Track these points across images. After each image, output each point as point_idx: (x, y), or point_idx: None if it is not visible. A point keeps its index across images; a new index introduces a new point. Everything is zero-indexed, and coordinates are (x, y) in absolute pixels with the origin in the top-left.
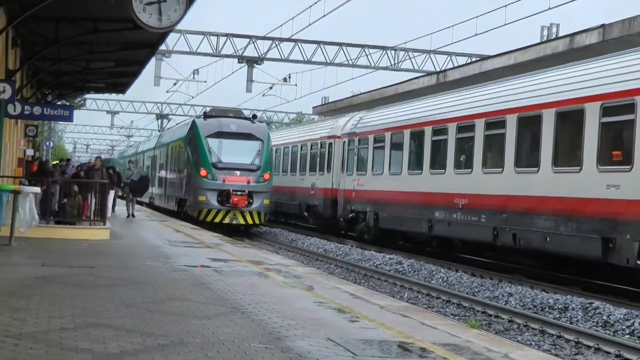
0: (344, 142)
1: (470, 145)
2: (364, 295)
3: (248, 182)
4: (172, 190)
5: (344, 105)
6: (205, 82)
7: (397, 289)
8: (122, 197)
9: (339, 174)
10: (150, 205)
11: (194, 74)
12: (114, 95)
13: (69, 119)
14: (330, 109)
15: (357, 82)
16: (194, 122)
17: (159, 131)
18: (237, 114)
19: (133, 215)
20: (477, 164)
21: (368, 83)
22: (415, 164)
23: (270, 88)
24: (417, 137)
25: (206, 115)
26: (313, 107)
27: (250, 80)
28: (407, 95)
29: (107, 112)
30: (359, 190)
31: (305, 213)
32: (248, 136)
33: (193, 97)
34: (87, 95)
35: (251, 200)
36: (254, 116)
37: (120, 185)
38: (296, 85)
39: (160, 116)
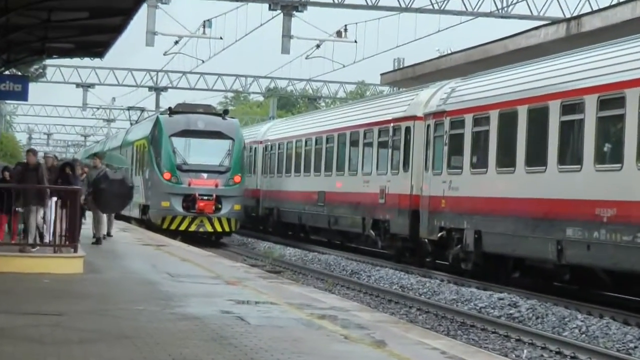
0: (428, 125)
1: (618, 129)
2: (461, 354)
3: (216, 186)
4: (136, 195)
5: (426, 70)
6: (221, 38)
7: (512, 344)
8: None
9: (422, 174)
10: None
11: (204, 27)
12: (87, 61)
13: (22, 95)
14: (406, 77)
15: (447, 37)
16: (157, 119)
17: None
18: (207, 109)
19: (109, 235)
20: (629, 155)
21: (463, 38)
22: (536, 156)
23: (318, 47)
24: (538, 115)
25: (172, 111)
26: (381, 75)
27: (287, 35)
28: (522, 55)
29: (78, 85)
30: (451, 197)
31: (372, 231)
32: (217, 134)
33: (203, 62)
34: (49, 61)
35: (219, 206)
36: (225, 112)
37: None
38: (356, 42)
39: (155, 90)
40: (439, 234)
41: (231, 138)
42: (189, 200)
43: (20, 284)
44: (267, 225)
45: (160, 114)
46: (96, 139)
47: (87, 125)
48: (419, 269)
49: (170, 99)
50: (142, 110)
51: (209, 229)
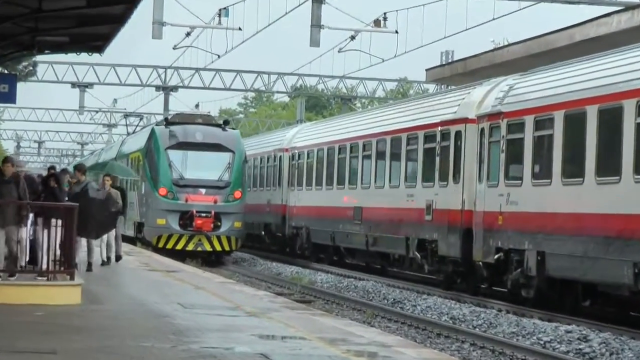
0: (482, 128)
1: None
2: None
3: (215, 202)
4: (131, 212)
5: (479, 65)
6: (239, 29)
7: None
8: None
9: (475, 186)
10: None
11: (219, 16)
12: (84, 58)
13: (9, 97)
14: (455, 73)
15: (503, 26)
16: (152, 131)
17: (133, 128)
18: (206, 119)
19: (115, 259)
20: None
21: (521, 28)
22: (609, 164)
23: (352, 39)
24: (610, 117)
25: (168, 122)
26: (427, 70)
27: (317, 25)
28: (591, 46)
29: (74, 85)
30: (509, 213)
31: (417, 253)
32: (216, 147)
33: (219, 57)
34: (39, 58)
35: (219, 223)
36: (226, 122)
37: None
38: (397, 32)
39: (164, 90)
40: (496, 256)
41: (231, 150)
42: (186, 218)
43: (8, 317)
44: (295, 247)
45: (156, 124)
46: (95, 147)
47: (85, 132)
48: (472, 297)
49: (182, 100)
50: (141, 117)
51: (208, 247)
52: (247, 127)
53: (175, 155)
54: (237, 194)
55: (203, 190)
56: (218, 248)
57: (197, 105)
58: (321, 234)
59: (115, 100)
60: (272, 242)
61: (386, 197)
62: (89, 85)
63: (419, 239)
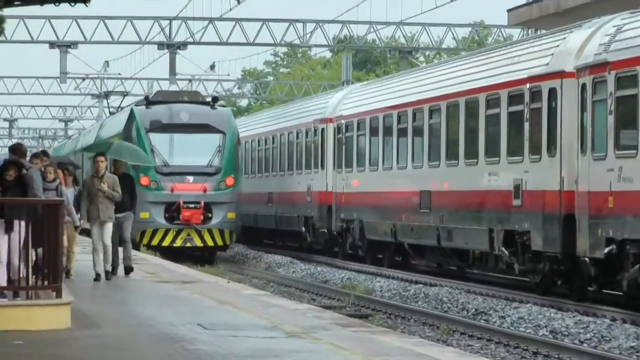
0: (583, 84)
1: None
2: None
3: (204, 191)
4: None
5: (577, 3)
6: None
7: None
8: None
9: (576, 159)
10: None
11: None
12: (65, 9)
13: None
14: (546, 14)
15: None
16: (131, 112)
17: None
18: (192, 97)
19: (124, 273)
20: None
21: None
22: None
23: None
24: None
25: (149, 102)
26: (508, 12)
27: None
28: None
29: (53, 44)
30: (622, 193)
31: (503, 249)
32: (204, 128)
33: (239, 3)
34: (7, 11)
35: (209, 215)
36: (214, 99)
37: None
38: None
39: (169, 48)
40: (606, 250)
41: (221, 131)
42: (173, 210)
43: None
44: (346, 246)
45: (135, 105)
46: (84, 124)
47: (69, 106)
48: (577, 303)
49: (193, 60)
50: (125, 93)
51: (198, 243)
52: (278, 91)
53: (158, 139)
54: (229, 180)
55: (190, 178)
56: (210, 243)
57: (212, 66)
58: (379, 227)
59: (106, 64)
60: (316, 240)
61: (462, 177)
62: (72, 44)
63: (506, 230)
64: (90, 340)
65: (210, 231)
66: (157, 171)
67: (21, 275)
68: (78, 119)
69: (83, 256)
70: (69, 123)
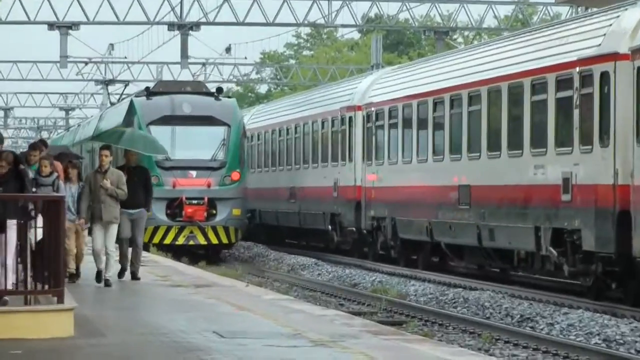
0: (639, 66)
1: None
2: None
3: (208, 186)
4: None
5: None
6: None
7: None
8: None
9: (632, 150)
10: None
11: None
12: None
13: None
14: None
15: None
16: (131, 104)
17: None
18: (195, 87)
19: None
20: None
21: None
22: None
23: None
24: None
25: (149, 92)
26: None
27: None
28: None
29: (52, 26)
30: None
31: (551, 249)
32: (208, 120)
33: None
34: None
35: (213, 211)
36: (219, 90)
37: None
38: None
39: (179, 29)
40: None
41: (226, 124)
42: (175, 206)
43: None
44: (377, 246)
45: (135, 95)
46: (86, 113)
47: (70, 93)
48: (633, 309)
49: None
50: (127, 83)
51: (202, 241)
52: (301, 76)
53: (159, 132)
54: (235, 175)
55: (193, 173)
56: (214, 241)
57: (228, 49)
58: (413, 225)
59: (111, 47)
60: (343, 239)
61: (504, 170)
62: (74, 25)
63: (554, 228)
64: (94, 350)
65: (214, 229)
66: (158, 165)
67: (19, 279)
68: (80, 108)
69: (86, 257)
70: (70, 112)
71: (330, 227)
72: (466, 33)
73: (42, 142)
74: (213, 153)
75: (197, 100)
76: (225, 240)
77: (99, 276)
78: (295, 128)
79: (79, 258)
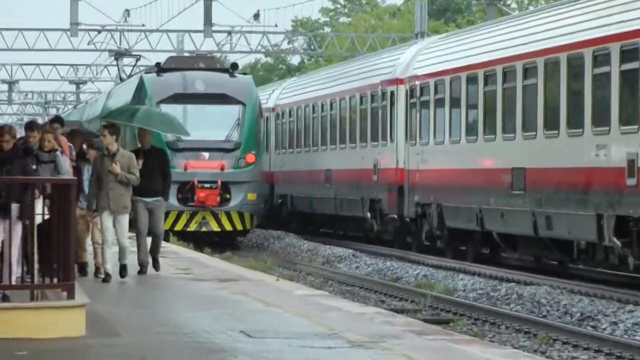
0: None
1: None
2: None
3: (222, 169)
4: None
5: None
6: None
7: None
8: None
9: None
10: None
11: None
12: None
13: None
14: None
15: None
16: (141, 80)
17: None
18: (208, 63)
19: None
20: None
21: None
22: None
23: None
24: None
25: (160, 69)
26: None
27: None
28: None
29: None
30: None
31: (615, 239)
32: (222, 98)
33: None
34: None
35: (227, 196)
36: (234, 66)
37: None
38: None
39: None
40: None
41: (241, 102)
42: (186, 190)
43: None
44: (421, 235)
45: (145, 72)
46: (99, 87)
47: (81, 64)
48: None
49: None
50: (138, 57)
51: (215, 227)
52: (337, 46)
53: (169, 111)
54: (250, 157)
55: (206, 155)
56: (228, 227)
57: (256, 16)
58: (461, 213)
59: (127, 12)
60: (384, 228)
61: (563, 150)
62: None
63: (618, 216)
64: (108, 350)
65: (228, 214)
66: (168, 147)
67: (24, 271)
68: (92, 81)
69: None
70: (81, 86)
71: (369, 214)
72: None
73: (58, 120)
74: (227, 134)
75: (210, 77)
76: (239, 227)
77: (107, 277)
78: (331, 104)
79: (96, 251)
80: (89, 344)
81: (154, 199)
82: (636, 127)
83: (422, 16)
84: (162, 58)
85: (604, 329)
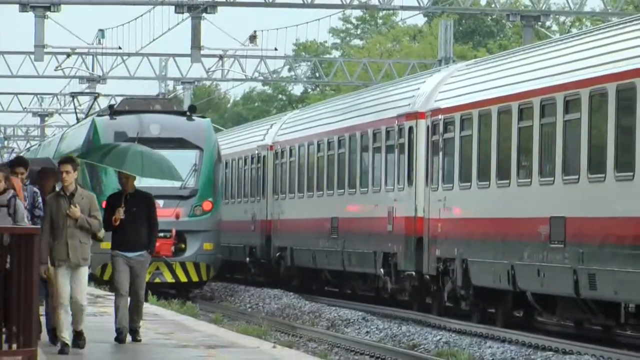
0: None
1: None
2: None
3: (177, 217)
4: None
5: None
6: None
7: None
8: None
9: None
10: None
11: None
12: None
13: None
14: None
15: None
16: (93, 124)
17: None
18: (165, 106)
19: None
20: None
21: None
22: None
23: None
24: None
25: (113, 112)
26: None
27: None
28: None
29: (25, 6)
30: None
31: None
32: (178, 142)
33: None
34: None
35: (182, 245)
36: (192, 108)
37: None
38: None
39: (190, 11)
40: None
41: (198, 147)
42: None
43: None
44: (443, 294)
45: (98, 115)
46: (67, 120)
47: (47, 93)
48: None
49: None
50: (97, 95)
51: (169, 278)
52: (347, 74)
53: None
54: (207, 205)
55: (160, 202)
56: (183, 279)
57: (253, 38)
58: (490, 269)
59: (101, 33)
60: (400, 287)
61: (610, 197)
62: (53, 6)
63: None
64: None
65: (183, 265)
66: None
67: None
68: (59, 113)
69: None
70: (46, 118)
71: (382, 270)
72: (562, 19)
73: (22, 164)
74: (183, 179)
75: (166, 120)
76: (195, 278)
77: (64, 348)
78: (339, 141)
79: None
80: None
81: (138, 253)
82: None
83: (447, 39)
84: (141, 86)
85: None
